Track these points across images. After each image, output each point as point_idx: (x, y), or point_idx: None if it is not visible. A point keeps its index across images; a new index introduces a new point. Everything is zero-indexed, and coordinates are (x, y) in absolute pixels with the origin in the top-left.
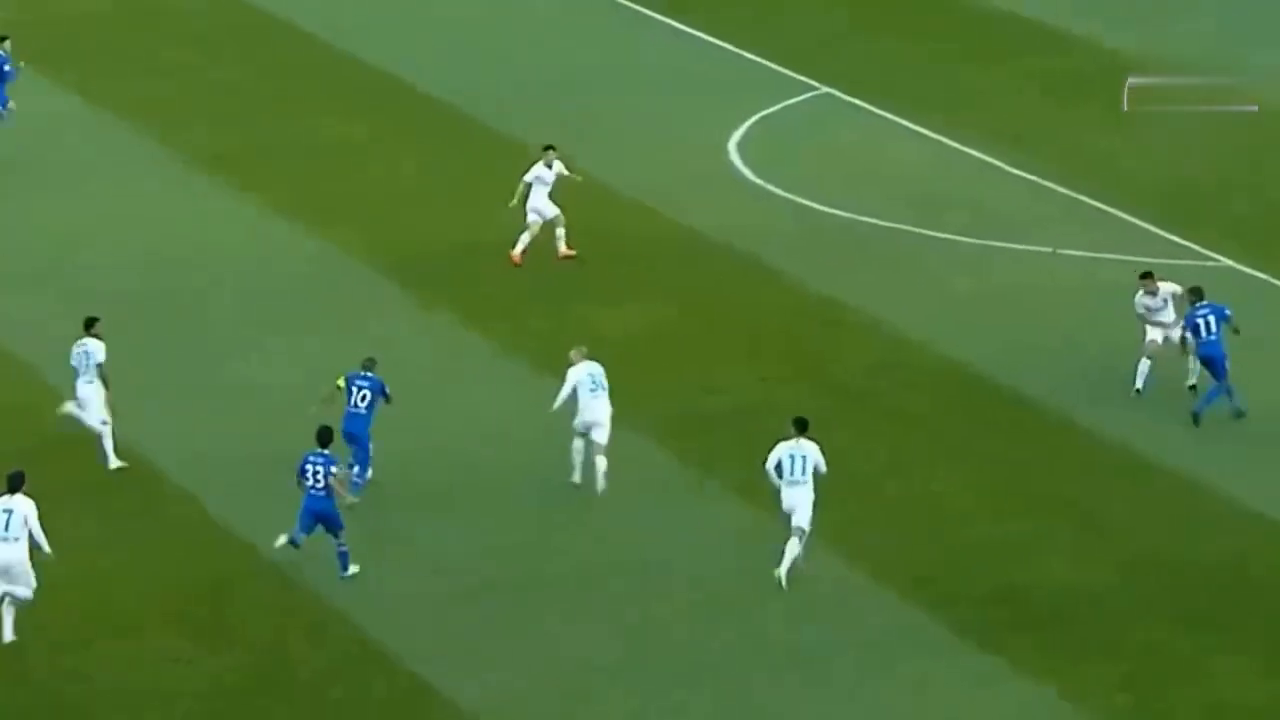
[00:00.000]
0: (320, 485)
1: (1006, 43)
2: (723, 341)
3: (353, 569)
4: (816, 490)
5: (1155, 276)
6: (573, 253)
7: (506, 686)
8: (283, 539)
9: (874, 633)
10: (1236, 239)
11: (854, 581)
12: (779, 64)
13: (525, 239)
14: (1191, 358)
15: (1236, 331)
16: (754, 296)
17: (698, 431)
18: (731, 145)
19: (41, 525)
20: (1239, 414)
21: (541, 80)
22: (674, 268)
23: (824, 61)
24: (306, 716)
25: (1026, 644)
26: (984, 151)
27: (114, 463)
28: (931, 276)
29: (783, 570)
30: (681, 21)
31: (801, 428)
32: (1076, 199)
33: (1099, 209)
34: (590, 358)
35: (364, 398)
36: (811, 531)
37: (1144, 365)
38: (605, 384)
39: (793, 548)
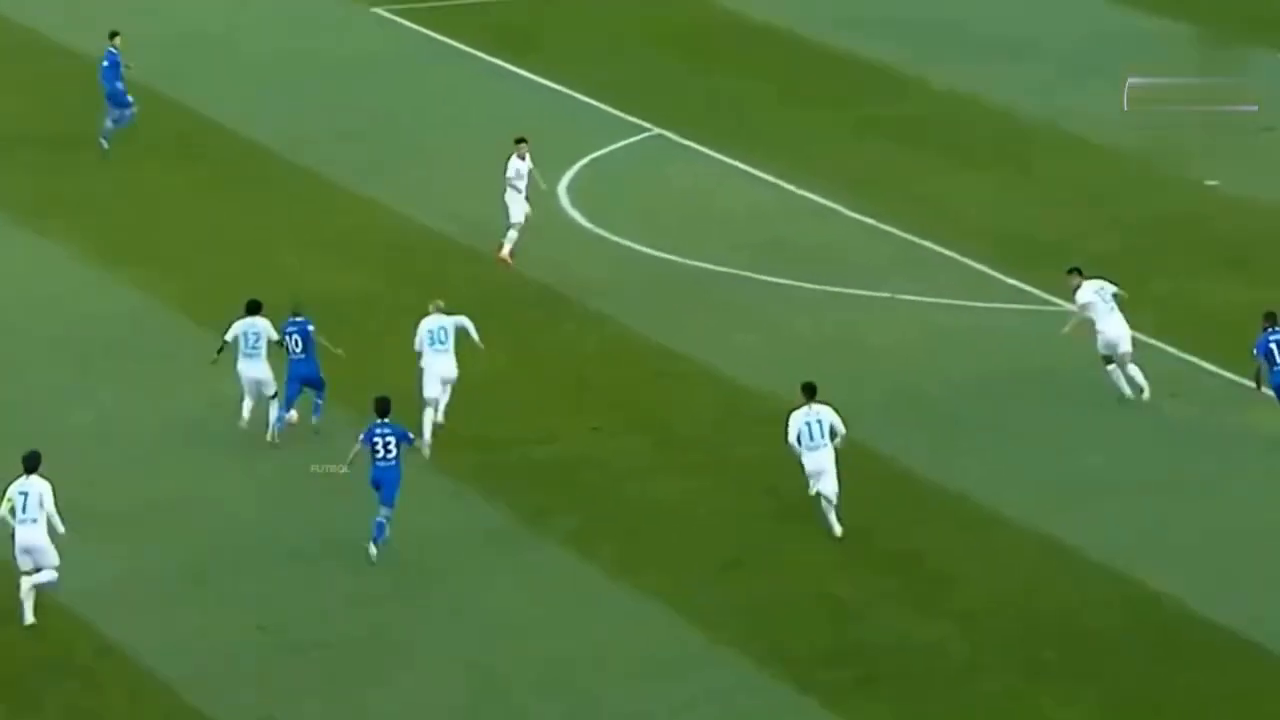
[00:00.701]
0: (392, 455)
1: (847, 86)
2: (554, 390)
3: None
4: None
5: (1078, 273)
6: (510, 261)
7: None
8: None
9: (715, 692)
10: None
11: (693, 640)
12: (611, 105)
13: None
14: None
15: None
16: (586, 344)
17: (529, 482)
18: (562, 189)
19: (57, 507)
20: None
21: (368, 125)
22: (504, 314)
23: (658, 103)
24: None
25: (869, 699)
26: (823, 195)
27: None
28: (769, 323)
29: (835, 526)
30: (510, 62)
31: (810, 393)
32: (915, 243)
33: (938, 253)
34: (447, 311)
35: (297, 342)
36: (840, 490)
37: (1113, 371)
38: (449, 338)
39: (829, 510)
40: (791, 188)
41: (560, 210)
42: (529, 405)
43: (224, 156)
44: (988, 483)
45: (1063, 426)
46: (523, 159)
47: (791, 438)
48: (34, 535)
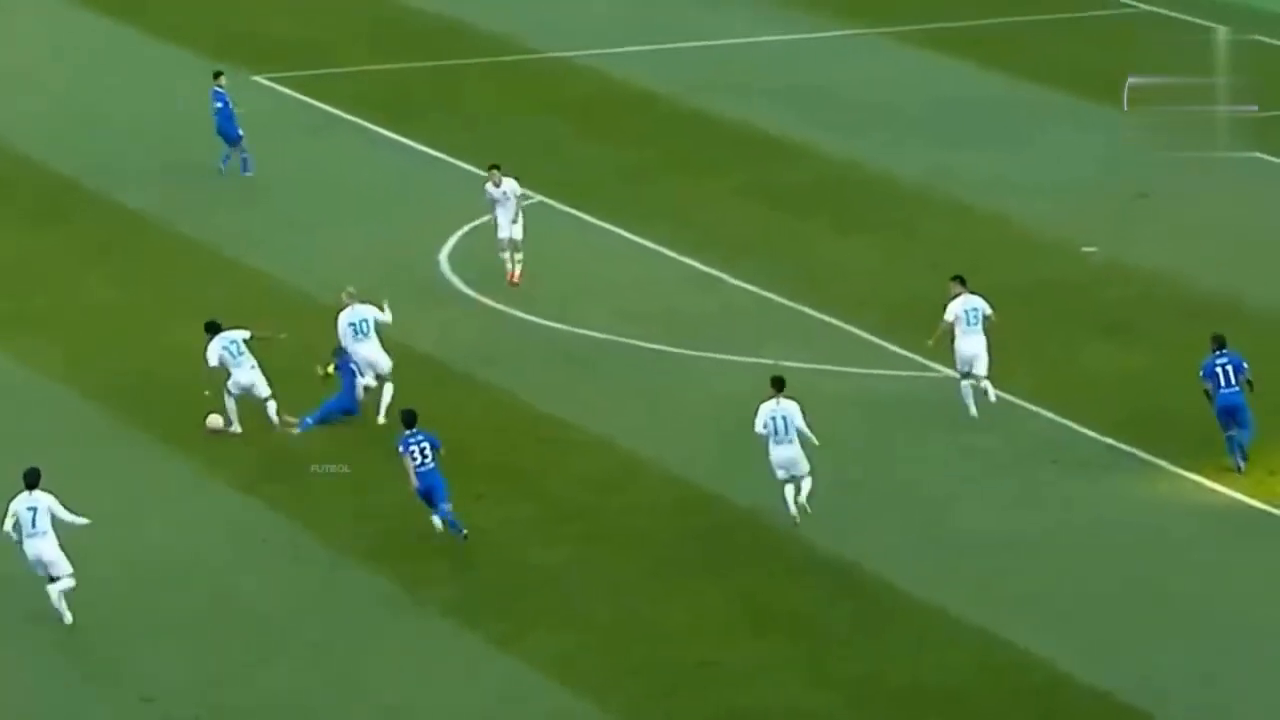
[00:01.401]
0: (430, 460)
1: (733, 152)
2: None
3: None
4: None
5: (960, 282)
6: (518, 281)
7: None
8: (437, 522)
9: None
10: None
11: (574, 711)
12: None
13: (505, 260)
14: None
15: (1250, 385)
16: (469, 411)
17: (410, 552)
18: (443, 256)
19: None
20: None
21: (246, 192)
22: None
23: (540, 170)
24: None
25: None
26: (708, 264)
27: None
28: (654, 391)
29: (804, 499)
30: (392, 130)
31: (779, 386)
32: (800, 311)
33: (823, 320)
34: (362, 300)
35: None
36: (813, 470)
37: (964, 388)
38: (369, 327)
39: (806, 485)
40: (676, 255)
41: (441, 277)
42: None
43: (95, 222)
44: (876, 549)
45: (948, 490)
46: (496, 185)
47: (759, 427)
48: (46, 548)
